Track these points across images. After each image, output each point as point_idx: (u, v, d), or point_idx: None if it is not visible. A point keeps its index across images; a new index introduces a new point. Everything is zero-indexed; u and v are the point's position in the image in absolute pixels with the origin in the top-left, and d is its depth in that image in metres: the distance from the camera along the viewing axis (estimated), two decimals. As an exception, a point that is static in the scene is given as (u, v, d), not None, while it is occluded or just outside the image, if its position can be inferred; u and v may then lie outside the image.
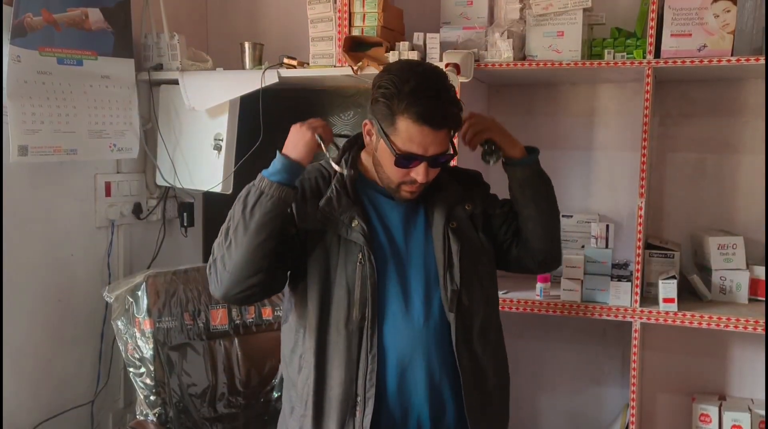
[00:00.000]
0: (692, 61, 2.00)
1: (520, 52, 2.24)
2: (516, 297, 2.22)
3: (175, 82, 2.45)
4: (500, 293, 2.20)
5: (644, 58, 2.06)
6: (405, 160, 1.49)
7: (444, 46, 2.27)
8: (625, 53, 2.09)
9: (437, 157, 1.51)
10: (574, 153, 2.50)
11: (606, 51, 2.11)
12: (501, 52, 2.22)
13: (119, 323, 2.21)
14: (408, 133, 1.47)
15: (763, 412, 2.14)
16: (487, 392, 1.61)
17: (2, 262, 2.09)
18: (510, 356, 2.53)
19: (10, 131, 2.02)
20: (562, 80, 2.46)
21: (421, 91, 1.46)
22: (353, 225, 1.54)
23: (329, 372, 1.54)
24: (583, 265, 2.16)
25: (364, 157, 1.64)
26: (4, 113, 2.04)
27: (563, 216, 2.44)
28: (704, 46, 2.00)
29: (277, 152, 1.54)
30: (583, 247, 2.34)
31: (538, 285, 2.22)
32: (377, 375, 1.51)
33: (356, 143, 1.65)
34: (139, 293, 2.19)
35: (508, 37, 2.21)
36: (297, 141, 1.54)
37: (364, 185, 1.62)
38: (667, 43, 2.01)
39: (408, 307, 1.56)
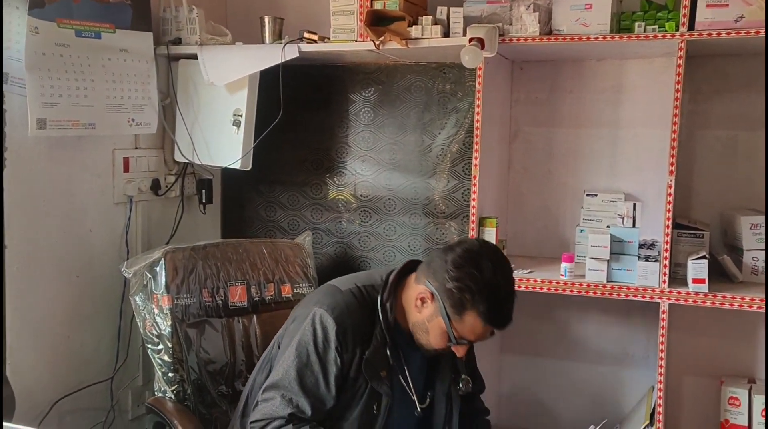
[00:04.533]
0: (728, 33, 1.93)
1: (546, 26, 2.18)
2: (540, 276, 2.19)
3: (194, 57, 2.41)
4: (524, 272, 2.20)
5: (677, 30, 1.99)
6: (458, 343, 1.64)
7: (468, 21, 2.22)
8: (656, 26, 2.02)
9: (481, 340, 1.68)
10: (600, 130, 2.45)
11: (636, 24, 2.05)
12: (526, 26, 2.16)
13: (137, 299, 2.19)
14: (473, 327, 1.61)
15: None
16: None
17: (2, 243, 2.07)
18: (532, 337, 2.55)
19: (28, 104, 2.00)
20: (589, 56, 2.40)
21: (496, 297, 1.60)
22: (382, 375, 1.66)
23: None
24: (609, 245, 2.11)
25: (406, 304, 1.72)
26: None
27: (587, 195, 2.41)
28: (741, 16, 1.93)
29: None
30: (608, 226, 2.29)
31: (563, 265, 2.17)
32: None
33: (397, 289, 1.73)
34: (158, 269, 2.17)
35: (533, 11, 2.15)
36: None
37: (395, 332, 1.71)
38: (702, 14, 1.94)
39: None
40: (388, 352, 1.67)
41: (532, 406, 2.59)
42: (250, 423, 1.71)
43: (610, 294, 2.09)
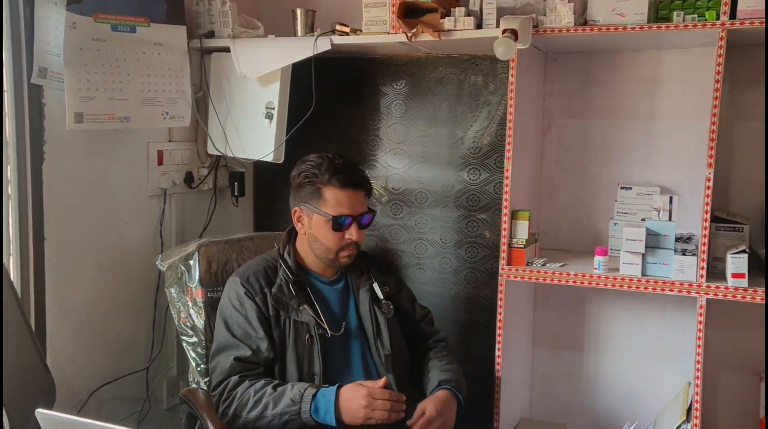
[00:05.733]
0: (772, 22, 1.88)
1: (581, 17, 2.15)
2: (573, 270, 2.17)
3: (227, 50, 2.43)
4: (557, 266, 2.19)
5: (718, 19, 1.95)
6: (339, 222, 1.88)
7: (501, 12, 2.19)
8: (696, 15, 1.98)
9: (363, 216, 1.92)
10: (635, 122, 2.41)
11: (675, 13, 2.01)
12: (561, 17, 2.13)
13: (172, 291, 2.22)
14: (336, 198, 1.88)
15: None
16: None
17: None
18: (564, 330, 2.53)
19: (66, 98, 2.03)
20: (625, 46, 2.36)
21: (335, 165, 1.90)
22: (301, 308, 1.87)
23: None
24: (645, 239, 2.08)
25: (300, 247, 2.01)
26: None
27: (622, 188, 2.38)
28: (786, 4, 1.87)
29: (332, 403, 1.73)
30: (643, 219, 2.26)
31: (597, 258, 2.15)
32: None
33: (290, 239, 2.02)
34: (192, 262, 2.20)
35: (568, 1, 2.12)
36: (356, 416, 1.73)
37: (304, 274, 1.97)
38: (745, 2, 1.89)
39: (350, 375, 1.88)
40: (291, 287, 1.89)
41: (564, 400, 2.57)
42: (211, 393, 1.89)
43: (645, 288, 2.07)
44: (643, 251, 2.08)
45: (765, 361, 2.16)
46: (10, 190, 2.01)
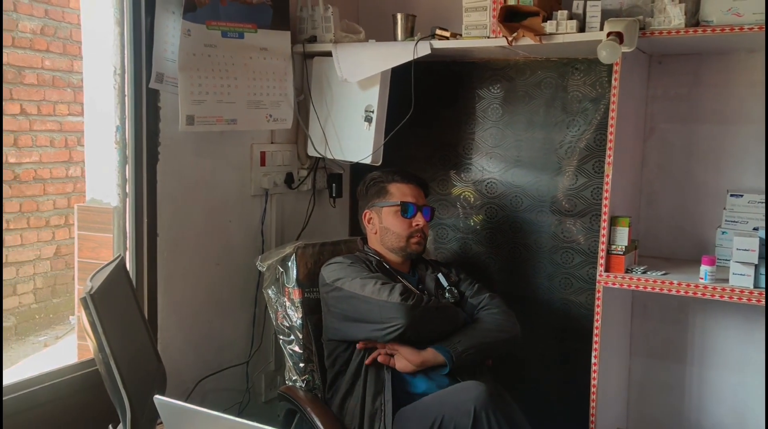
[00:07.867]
0: None
1: (693, 18, 2.08)
2: (676, 279, 2.10)
3: (328, 54, 2.48)
4: (658, 274, 2.13)
5: None
6: (406, 207, 2.21)
7: (606, 14, 2.14)
8: (821, 14, 1.88)
9: (425, 208, 2.25)
10: (748, 127, 2.31)
11: (797, 13, 1.91)
12: (671, 18, 2.06)
13: (270, 292, 2.29)
14: (401, 190, 2.25)
15: None
16: None
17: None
18: (664, 340, 2.45)
19: (179, 102, 2.13)
20: (739, 47, 2.26)
21: (395, 170, 2.31)
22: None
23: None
24: (758, 249, 1.99)
25: (375, 245, 2.29)
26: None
27: (731, 195, 2.28)
28: None
29: None
30: (755, 229, 2.16)
31: (703, 268, 2.07)
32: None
33: (364, 244, 2.35)
34: (289, 263, 2.27)
35: (679, 2, 2.05)
36: None
37: (384, 268, 2.23)
38: None
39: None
40: (380, 266, 2.19)
41: (663, 413, 2.49)
42: (401, 296, 2.00)
43: (759, 301, 1.98)
44: (756, 262, 1.99)
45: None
46: (128, 188, 2.13)
